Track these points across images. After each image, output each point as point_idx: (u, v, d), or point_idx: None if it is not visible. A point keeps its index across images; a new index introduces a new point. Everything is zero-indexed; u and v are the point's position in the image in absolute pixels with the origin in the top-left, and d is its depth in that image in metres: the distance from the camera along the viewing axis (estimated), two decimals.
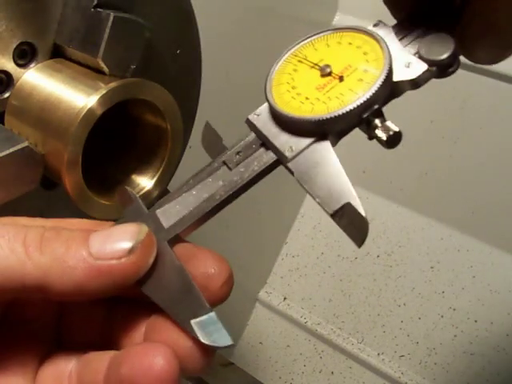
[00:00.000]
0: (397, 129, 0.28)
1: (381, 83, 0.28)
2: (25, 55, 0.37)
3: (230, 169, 0.29)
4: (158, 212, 0.29)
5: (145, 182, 0.41)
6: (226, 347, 0.25)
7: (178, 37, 0.44)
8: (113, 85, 0.35)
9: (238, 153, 0.30)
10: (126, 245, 0.24)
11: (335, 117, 0.27)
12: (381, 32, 0.30)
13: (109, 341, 0.28)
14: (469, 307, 0.90)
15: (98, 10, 0.36)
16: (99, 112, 0.35)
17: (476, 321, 0.89)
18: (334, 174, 0.27)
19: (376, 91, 0.28)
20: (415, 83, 0.30)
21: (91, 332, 0.29)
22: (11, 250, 0.24)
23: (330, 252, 1.02)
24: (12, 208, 0.34)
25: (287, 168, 0.28)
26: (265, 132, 0.29)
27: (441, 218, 0.95)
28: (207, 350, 0.25)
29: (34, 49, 0.37)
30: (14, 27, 0.36)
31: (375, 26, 0.31)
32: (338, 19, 0.94)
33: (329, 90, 0.29)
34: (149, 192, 0.40)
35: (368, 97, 0.28)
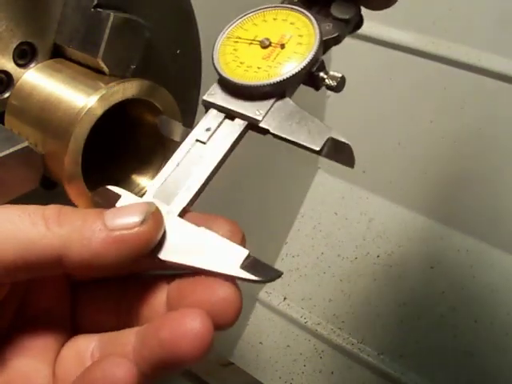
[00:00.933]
0: (340, 75, 0.34)
1: (318, 42, 0.33)
2: (25, 55, 0.37)
3: (204, 143, 0.32)
4: (154, 197, 0.30)
5: (145, 182, 0.41)
6: (279, 276, 0.26)
7: (178, 37, 0.44)
8: (113, 85, 0.35)
9: (206, 129, 0.33)
10: (138, 218, 0.26)
11: (292, 76, 0.32)
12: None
13: (127, 322, 0.29)
14: (469, 307, 0.90)
15: (98, 10, 0.36)
16: (99, 112, 0.35)
17: (476, 321, 0.89)
18: (305, 118, 0.31)
19: (317, 49, 0.33)
20: (337, 39, 0.36)
21: (107, 316, 0.29)
22: (32, 224, 0.25)
23: (329, 252, 1.02)
24: None
25: (260, 128, 0.32)
26: (227, 105, 0.33)
27: (441, 218, 0.95)
28: (239, 299, 0.26)
29: (34, 49, 0.37)
30: (14, 27, 0.36)
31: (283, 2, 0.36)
32: None
33: (275, 58, 0.33)
34: None
35: (313, 54, 0.33)
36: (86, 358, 0.28)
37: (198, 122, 0.34)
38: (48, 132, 0.36)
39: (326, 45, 0.35)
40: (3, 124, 0.38)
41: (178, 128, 0.35)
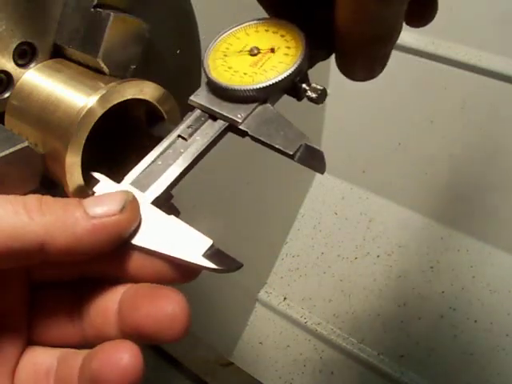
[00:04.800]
0: (322, 87, 0.35)
1: (303, 55, 0.35)
2: (25, 55, 0.37)
3: (185, 139, 0.34)
4: (130, 184, 0.32)
5: None
6: (239, 268, 0.28)
7: (178, 37, 0.44)
8: (113, 85, 0.35)
9: (189, 126, 0.35)
10: (117, 206, 0.27)
11: (275, 83, 0.34)
12: None
13: (82, 329, 0.29)
14: (469, 307, 0.90)
15: (98, 10, 0.36)
16: (99, 112, 0.35)
17: (476, 321, 0.89)
18: (283, 124, 0.33)
19: (302, 60, 0.35)
20: (326, 55, 0.37)
21: (63, 323, 0.30)
22: (14, 212, 0.26)
23: (329, 252, 1.02)
24: None
25: (240, 130, 0.34)
26: (211, 106, 0.35)
27: (441, 218, 0.95)
28: (185, 317, 0.27)
29: (33, 49, 0.37)
30: (14, 27, 0.36)
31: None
32: None
33: (262, 65, 0.35)
34: None
35: (298, 64, 0.34)
36: (41, 377, 0.28)
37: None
38: (48, 132, 0.36)
39: (313, 58, 0.36)
40: (3, 124, 0.38)
41: (164, 125, 0.37)
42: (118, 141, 0.42)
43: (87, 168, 0.36)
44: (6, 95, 0.37)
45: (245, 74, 0.35)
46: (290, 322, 1.01)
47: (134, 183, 0.32)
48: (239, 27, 0.38)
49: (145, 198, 0.31)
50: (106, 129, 0.37)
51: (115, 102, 0.36)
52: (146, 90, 0.37)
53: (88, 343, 0.29)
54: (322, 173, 0.32)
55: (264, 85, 0.34)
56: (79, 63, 0.38)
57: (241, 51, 0.37)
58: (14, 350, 0.29)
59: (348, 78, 0.37)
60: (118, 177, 0.41)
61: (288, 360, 0.99)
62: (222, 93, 0.35)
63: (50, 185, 0.39)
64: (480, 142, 0.88)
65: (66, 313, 0.30)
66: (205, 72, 0.36)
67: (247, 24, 0.38)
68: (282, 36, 0.37)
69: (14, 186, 0.34)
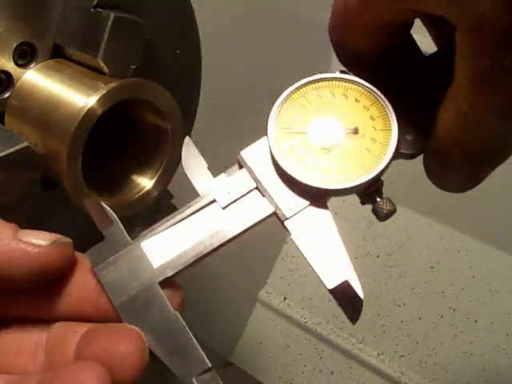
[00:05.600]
0: (393, 207, 0.29)
1: (388, 161, 0.28)
2: (25, 55, 0.37)
3: (222, 208, 0.29)
4: (144, 244, 0.28)
5: (145, 182, 0.41)
6: None
7: (178, 37, 0.44)
8: (113, 85, 0.35)
9: (229, 191, 0.29)
10: (46, 242, 0.27)
11: (339, 189, 0.28)
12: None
13: (45, 365, 0.28)
14: (469, 307, 0.90)
15: (98, 10, 0.36)
16: (99, 112, 0.35)
17: (476, 321, 0.89)
18: (332, 244, 0.28)
19: (382, 169, 0.28)
20: (411, 156, 0.30)
21: (25, 359, 0.28)
22: None
23: None
24: (12, 208, 0.34)
25: (283, 225, 0.29)
26: (261, 178, 0.29)
27: (441, 218, 0.95)
28: (141, 358, 0.26)
29: (33, 49, 0.37)
30: (14, 27, 0.36)
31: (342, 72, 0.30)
32: None
33: (336, 155, 0.28)
34: (149, 192, 0.40)
35: (380, 169, 0.28)
36: None
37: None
38: (48, 132, 0.36)
39: (395, 158, 0.29)
40: (3, 124, 0.38)
41: (200, 167, 0.30)
42: (118, 141, 0.42)
43: (87, 168, 0.36)
44: (6, 95, 0.37)
45: (314, 162, 0.28)
46: (289, 322, 1.01)
47: (147, 245, 0.28)
48: (325, 78, 0.30)
49: (153, 275, 0.27)
50: (106, 129, 0.37)
51: (115, 102, 0.36)
52: (146, 90, 0.37)
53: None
54: (353, 323, 0.27)
55: (332, 187, 0.28)
56: (79, 63, 0.38)
57: (320, 114, 0.29)
58: None
59: (431, 181, 0.32)
60: (118, 177, 0.41)
61: (288, 360, 0.99)
62: (276, 167, 0.29)
63: (50, 185, 0.39)
64: None
65: (31, 348, 0.28)
66: (268, 138, 0.29)
67: (336, 79, 0.30)
68: (366, 109, 0.29)
69: (14, 186, 0.34)
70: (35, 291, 0.28)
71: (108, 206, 0.38)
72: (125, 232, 0.28)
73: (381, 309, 0.95)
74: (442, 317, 0.91)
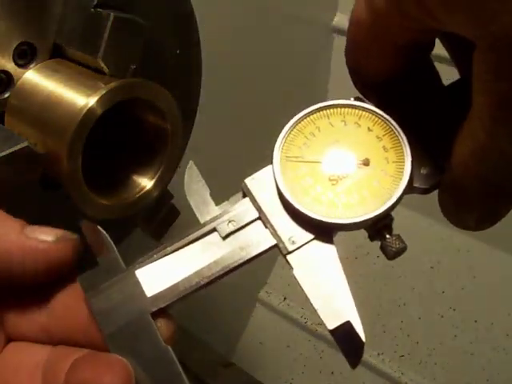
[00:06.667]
0: (404, 245, 0.28)
1: (399, 196, 0.27)
2: (25, 55, 0.37)
3: (222, 238, 0.27)
4: (138, 272, 0.27)
5: (145, 182, 0.41)
6: None
7: (178, 37, 0.44)
8: (113, 85, 0.35)
9: (230, 221, 0.27)
10: (52, 237, 0.27)
11: (344, 224, 0.26)
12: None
13: None
14: (469, 307, 0.90)
15: (98, 9, 0.36)
16: (99, 112, 0.35)
17: (476, 321, 0.89)
18: (336, 282, 0.26)
19: (392, 205, 0.27)
20: (425, 191, 0.29)
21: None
22: None
23: None
24: (12, 208, 0.34)
25: (285, 258, 0.27)
26: (265, 208, 0.27)
27: (441, 218, 0.95)
28: None
29: (33, 49, 0.37)
30: (14, 27, 0.36)
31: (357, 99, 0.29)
32: (338, 19, 0.94)
33: (346, 187, 0.27)
34: (149, 192, 0.40)
35: (391, 204, 0.26)
36: None
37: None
38: (48, 132, 0.36)
39: (407, 192, 0.27)
40: (3, 124, 0.38)
41: (202, 194, 0.29)
42: (118, 141, 0.42)
43: (87, 168, 0.36)
44: (6, 95, 0.37)
45: (320, 194, 0.27)
46: (289, 322, 1.01)
47: (142, 273, 0.27)
48: (337, 105, 0.28)
49: (146, 305, 0.26)
50: (106, 129, 0.37)
51: (115, 102, 0.36)
52: (146, 90, 0.37)
53: None
54: (352, 367, 0.26)
55: (337, 221, 0.26)
56: (79, 63, 0.38)
57: (329, 143, 0.27)
58: None
59: (446, 218, 0.30)
60: (118, 177, 0.41)
61: (288, 360, 0.99)
62: (281, 198, 0.27)
63: (50, 185, 0.39)
64: None
65: (32, 369, 0.28)
66: (273, 166, 0.27)
67: (348, 106, 0.28)
68: (379, 139, 0.27)
69: (13, 185, 0.34)
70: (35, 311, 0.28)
71: (108, 205, 0.38)
72: (120, 259, 0.28)
73: (381, 309, 0.95)
74: (442, 317, 0.91)
